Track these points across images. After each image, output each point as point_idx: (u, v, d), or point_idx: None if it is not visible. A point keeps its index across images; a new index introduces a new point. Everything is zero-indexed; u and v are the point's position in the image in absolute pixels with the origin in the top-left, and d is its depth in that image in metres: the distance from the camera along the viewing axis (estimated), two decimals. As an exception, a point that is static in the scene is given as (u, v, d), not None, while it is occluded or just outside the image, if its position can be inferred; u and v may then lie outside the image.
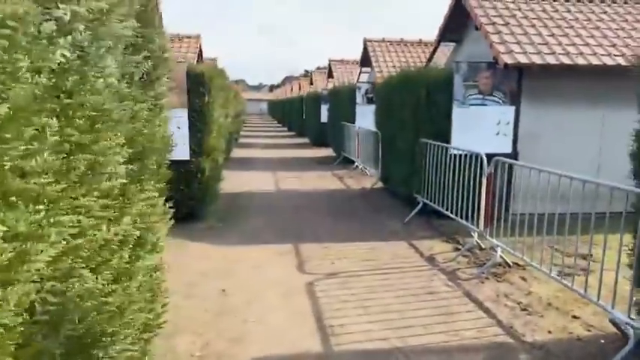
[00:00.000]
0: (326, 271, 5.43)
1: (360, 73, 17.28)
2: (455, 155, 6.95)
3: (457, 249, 6.33)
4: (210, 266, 5.56)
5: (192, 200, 7.28)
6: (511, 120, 7.76)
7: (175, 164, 7.46)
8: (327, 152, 17.68)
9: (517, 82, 7.70)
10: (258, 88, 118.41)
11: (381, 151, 10.13)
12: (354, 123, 13.91)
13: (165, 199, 3.24)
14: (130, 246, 2.33)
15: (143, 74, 2.63)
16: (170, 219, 3.32)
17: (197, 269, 5.47)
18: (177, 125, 7.00)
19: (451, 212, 6.77)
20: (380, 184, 10.49)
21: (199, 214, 7.42)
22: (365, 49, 15.54)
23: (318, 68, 29.96)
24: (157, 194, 2.89)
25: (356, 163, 12.88)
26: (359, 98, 14.14)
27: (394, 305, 4.48)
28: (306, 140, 23.70)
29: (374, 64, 14.54)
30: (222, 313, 4.38)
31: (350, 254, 6.04)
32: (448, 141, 7.57)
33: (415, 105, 7.78)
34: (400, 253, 6.17)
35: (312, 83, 28.60)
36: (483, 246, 6.17)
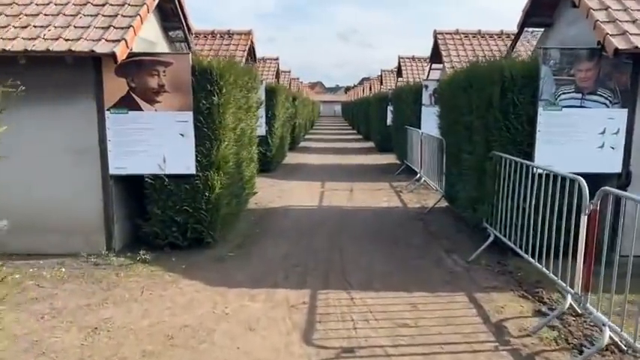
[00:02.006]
0: (341, 344, 3.81)
1: (430, 70, 15.32)
2: (540, 175, 5.06)
3: (540, 312, 4.44)
4: (186, 322, 4.14)
5: (199, 224, 5.95)
6: (622, 128, 5.67)
7: (176, 179, 6.24)
8: (391, 159, 15.89)
9: (631, 76, 5.60)
10: (335, 90, 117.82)
11: (445, 163, 8.28)
12: (419, 127, 12.08)
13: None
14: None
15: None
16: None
17: (169, 325, 4.07)
18: (179, 132, 5.70)
19: (532, 255, 4.88)
20: (444, 203, 8.62)
21: (208, 240, 6.07)
22: (435, 42, 13.59)
23: (382, 71, 28.01)
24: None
25: (419, 175, 11.03)
26: (426, 98, 12.27)
27: None
28: (371, 145, 21.98)
29: (444, 58, 12.58)
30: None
31: (383, 313, 4.38)
32: (530, 156, 5.66)
33: (485, 107, 5.91)
34: (456, 315, 4.40)
35: (382, 83, 26.81)
36: (580, 310, 4.25)
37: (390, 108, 18.56)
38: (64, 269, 5.38)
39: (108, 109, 5.69)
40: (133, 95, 5.69)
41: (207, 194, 5.90)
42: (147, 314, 4.31)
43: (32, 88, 5.59)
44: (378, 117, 19.56)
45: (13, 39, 5.27)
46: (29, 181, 5.76)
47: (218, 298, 4.70)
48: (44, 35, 5.34)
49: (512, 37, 12.72)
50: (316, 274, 5.36)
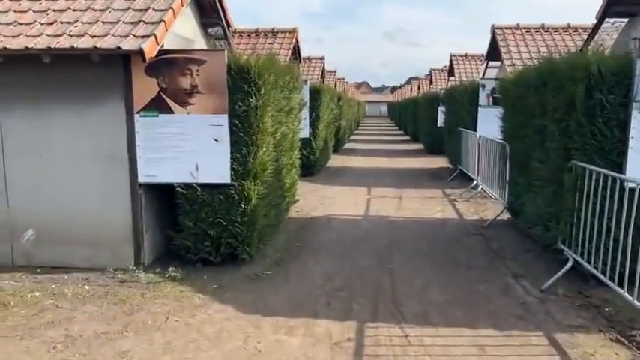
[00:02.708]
0: (394, 401, 3.12)
1: (487, 68, 14.28)
2: (632, 190, 4.21)
3: (642, 365, 3.57)
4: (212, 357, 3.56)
5: (233, 238, 5.39)
6: None
7: (209, 189, 5.70)
8: (442, 163, 14.95)
9: None
10: (381, 90, 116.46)
11: (508, 171, 7.38)
12: (474, 130, 11.14)
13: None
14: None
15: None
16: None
17: (192, 367, 3.50)
18: (213, 137, 5.15)
19: (621, 285, 4.04)
20: (506, 216, 7.72)
21: (243, 256, 5.50)
22: (493, 38, 12.57)
23: (432, 69, 26.78)
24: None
25: (475, 182, 10.11)
26: (482, 99, 11.31)
27: None
28: (419, 147, 21.02)
29: (504, 55, 11.57)
30: None
31: (445, 358, 3.64)
32: (621, 168, 4.75)
33: (564, 109, 5.05)
34: (534, 364, 3.61)
35: (431, 82, 25.73)
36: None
37: (441, 108, 17.57)
38: (87, 286, 4.95)
39: (137, 112, 5.22)
40: (164, 97, 5.19)
41: (242, 206, 5.33)
42: (169, 348, 3.76)
43: (57, 89, 5.23)
44: (427, 118, 18.62)
45: (38, 36, 4.89)
46: (55, 188, 5.38)
47: (251, 329, 4.09)
48: (70, 32, 4.93)
49: (581, 31, 11.57)
50: (363, 302, 4.67)
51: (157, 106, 5.20)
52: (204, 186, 5.31)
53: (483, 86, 11.35)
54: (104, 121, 5.24)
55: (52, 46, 4.73)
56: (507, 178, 7.43)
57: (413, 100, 25.11)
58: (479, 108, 11.36)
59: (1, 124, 5.33)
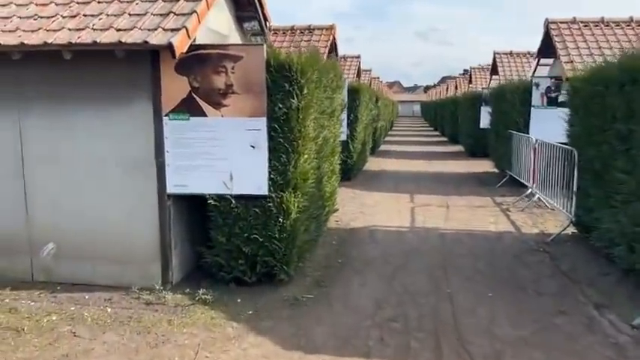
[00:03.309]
0: None
1: (538, 66, 13.30)
2: None
3: None
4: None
5: (270, 256, 4.79)
6: None
7: (245, 201, 5.12)
8: (485, 166, 14.06)
9: None
10: (413, 89, 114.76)
11: (576, 180, 6.55)
12: (526, 132, 10.28)
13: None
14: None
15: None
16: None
17: None
18: (250, 143, 4.57)
19: None
20: (571, 230, 6.88)
21: (281, 276, 4.89)
22: (547, 33, 11.62)
23: (471, 68, 25.65)
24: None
25: (530, 190, 9.25)
26: (536, 98, 10.45)
27: None
28: (459, 148, 20.08)
29: (560, 52, 10.63)
30: None
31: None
32: None
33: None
34: None
35: (471, 81, 24.68)
36: None
37: (485, 109, 16.66)
38: (109, 309, 4.43)
39: (166, 115, 4.68)
40: (196, 97, 4.63)
41: (281, 220, 4.72)
42: (197, 395, 3.18)
43: (80, 88, 4.73)
44: (468, 118, 17.69)
45: (58, 30, 4.40)
46: (77, 198, 4.90)
47: (290, 371, 3.48)
48: (93, 25, 4.42)
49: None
50: (422, 337, 3.99)
51: (188, 107, 4.65)
52: (238, 197, 4.73)
53: (537, 85, 10.47)
54: (130, 124, 4.73)
55: (73, 41, 4.24)
56: (575, 189, 6.60)
57: (452, 100, 24.09)
58: (532, 109, 10.50)
59: (21, 127, 4.89)
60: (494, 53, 18.01)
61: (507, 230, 7.42)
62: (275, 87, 4.55)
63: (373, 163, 15.22)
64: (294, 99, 4.55)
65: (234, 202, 4.73)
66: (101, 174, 4.84)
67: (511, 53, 17.97)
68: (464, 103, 18.79)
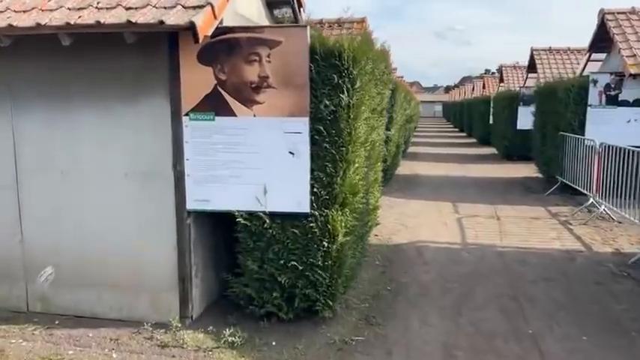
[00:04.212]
0: None
1: (588, 61, 12.25)
2: None
3: None
4: None
5: (312, 287, 3.90)
6: None
7: (282, 220, 4.06)
8: (525, 170, 13.03)
9: None
10: (433, 89, 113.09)
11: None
12: (581, 133, 9.23)
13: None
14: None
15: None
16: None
17: None
18: (289, 149, 3.69)
19: None
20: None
21: (325, 314, 3.99)
22: (602, 25, 10.57)
23: (502, 66, 24.47)
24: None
25: (591, 200, 8.20)
26: (593, 97, 9.37)
27: None
28: (491, 150, 18.97)
29: (620, 44, 9.58)
30: None
31: None
32: None
33: None
34: None
35: (502, 81, 23.52)
36: None
37: (523, 109, 15.62)
38: (115, 355, 3.59)
39: (186, 114, 3.83)
40: (223, 92, 3.77)
41: (325, 244, 3.83)
42: None
43: (82, 82, 3.90)
44: (503, 119, 16.60)
45: (55, 9, 3.58)
46: (80, 214, 4.09)
47: None
48: (97, 3, 3.59)
49: None
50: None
51: (213, 105, 3.79)
52: (274, 215, 3.85)
53: (595, 82, 9.39)
54: (142, 125, 3.89)
55: (72, 22, 3.40)
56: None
57: (482, 100, 22.93)
58: (588, 109, 9.43)
59: (14, 130, 4.09)
60: (532, 50, 16.86)
61: (575, 248, 6.40)
62: (321, 79, 3.66)
63: (404, 167, 14.22)
64: (344, 94, 3.65)
65: (268, 221, 3.85)
66: (108, 185, 4.01)
67: (550, 49, 16.81)
68: (499, 103, 17.67)
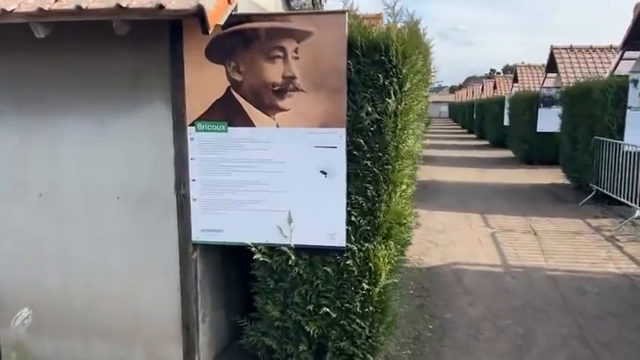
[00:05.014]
0: None
1: (621, 60, 11.43)
2: None
3: None
4: None
5: (348, 339, 3.14)
6: None
7: (310, 256, 3.04)
8: (548, 176, 12.30)
9: None
10: (438, 89, 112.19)
11: None
12: (620, 138, 8.45)
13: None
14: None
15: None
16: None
17: None
18: (319, 167, 2.93)
19: None
20: None
21: (363, 368, 3.23)
22: (638, 20, 9.75)
23: (516, 66, 23.70)
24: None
25: (638, 213, 7.41)
26: (634, 98, 8.56)
27: None
28: (506, 154, 18.21)
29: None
30: None
31: None
32: None
33: None
34: None
35: (516, 81, 22.73)
36: None
37: (544, 110, 14.88)
38: None
39: (192, 124, 3.08)
40: (238, 97, 3.01)
41: (366, 286, 3.07)
42: None
43: (64, 87, 3.17)
44: (521, 121, 15.81)
45: (27, -7, 2.82)
46: (62, 245, 3.34)
47: None
48: (79, -15, 2.83)
49: None
50: None
51: (226, 113, 3.04)
52: (300, 250, 3.10)
53: (635, 82, 8.59)
54: (138, 138, 3.14)
55: (47, 8, 2.65)
56: None
57: (495, 101, 22.12)
58: (627, 111, 8.64)
59: (-18, 142, 3.34)
60: (553, 48, 16.05)
61: (633, 272, 5.61)
62: (361, 80, 2.90)
63: (420, 171, 13.43)
64: (391, 98, 2.89)
65: (293, 256, 3.09)
66: (95, 211, 3.26)
67: (571, 48, 15.99)
68: (517, 104, 16.86)
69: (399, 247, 3.32)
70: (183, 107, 3.05)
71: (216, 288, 3.49)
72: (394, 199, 3.06)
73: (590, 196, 9.27)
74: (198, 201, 3.14)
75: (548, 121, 14.75)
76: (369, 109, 2.90)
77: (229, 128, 3.05)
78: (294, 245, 3.08)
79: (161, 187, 3.15)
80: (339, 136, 2.94)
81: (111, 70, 3.10)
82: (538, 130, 15.06)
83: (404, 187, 3.16)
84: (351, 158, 2.98)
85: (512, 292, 5.01)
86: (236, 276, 3.50)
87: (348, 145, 2.95)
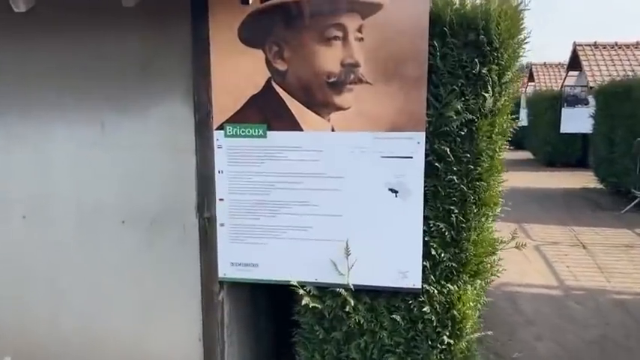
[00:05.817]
0: None
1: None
2: None
3: None
4: None
5: (420, 404, 2.42)
6: None
7: (372, 299, 2.38)
8: (575, 179, 11.70)
9: None
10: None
11: None
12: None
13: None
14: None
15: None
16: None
17: None
18: (387, 184, 2.17)
19: None
20: None
21: None
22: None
23: (531, 64, 22.99)
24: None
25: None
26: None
27: None
28: (525, 155, 17.56)
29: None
30: None
31: None
32: None
33: None
34: None
35: (532, 80, 21.99)
36: None
37: (567, 110, 14.19)
38: None
39: (220, 127, 2.36)
40: (280, 92, 2.29)
41: (446, 339, 2.34)
42: None
43: (51, 77, 2.46)
44: (544, 122, 15.15)
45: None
46: (53, 280, 2.63)
47: None
48: (72, -61, 2.12)
49: None
50: None
51: (265, 113, 2.32)
52: (360, 292, 2.38)
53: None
54: (149, 144, 2.42)
55: (26, -31, 1.94)
56: None
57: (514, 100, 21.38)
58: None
59: (-51, 149, 2.63)
60: (576, 45, 15.29)
61: None
62: (448, 68, 2.18)
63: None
64: (488, 92, 2.16)
65: (351, 300, 2.37)
66: (94, 237, 2.54)
67: (595, 44, 15.24)
68: (537, 104, 16.15)
69: (485, 280, 2.59)
70: (208, 104, 2.33)
71: (244, 331, 2.77)
72: (487, 225, 2.34)
73: (633, 203, 8.53)
74: (227, 226, 2.42)
75: (573, 121, 14.08)
76: (459, 106, 2.17)
77: (269, 133, 2.32)
78: (353, 286, 2.36)
79: (179, 208, 2.43)
80: (416, 142, 2.21)
81: (115, 56, 2.38)
82: (562, 131, 14.39)
83: (498, 209, 2.43)
84: (430, 172, 2.26)
85: (582, 323, 4.27)
86: (265, 311, 2.79)
87: (427, 155, 2.23)
